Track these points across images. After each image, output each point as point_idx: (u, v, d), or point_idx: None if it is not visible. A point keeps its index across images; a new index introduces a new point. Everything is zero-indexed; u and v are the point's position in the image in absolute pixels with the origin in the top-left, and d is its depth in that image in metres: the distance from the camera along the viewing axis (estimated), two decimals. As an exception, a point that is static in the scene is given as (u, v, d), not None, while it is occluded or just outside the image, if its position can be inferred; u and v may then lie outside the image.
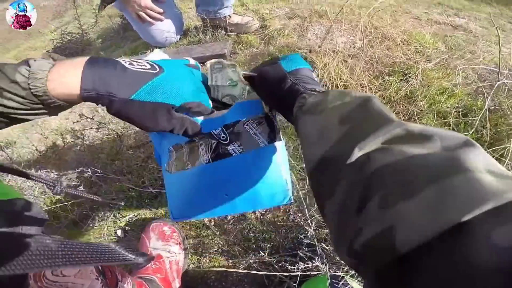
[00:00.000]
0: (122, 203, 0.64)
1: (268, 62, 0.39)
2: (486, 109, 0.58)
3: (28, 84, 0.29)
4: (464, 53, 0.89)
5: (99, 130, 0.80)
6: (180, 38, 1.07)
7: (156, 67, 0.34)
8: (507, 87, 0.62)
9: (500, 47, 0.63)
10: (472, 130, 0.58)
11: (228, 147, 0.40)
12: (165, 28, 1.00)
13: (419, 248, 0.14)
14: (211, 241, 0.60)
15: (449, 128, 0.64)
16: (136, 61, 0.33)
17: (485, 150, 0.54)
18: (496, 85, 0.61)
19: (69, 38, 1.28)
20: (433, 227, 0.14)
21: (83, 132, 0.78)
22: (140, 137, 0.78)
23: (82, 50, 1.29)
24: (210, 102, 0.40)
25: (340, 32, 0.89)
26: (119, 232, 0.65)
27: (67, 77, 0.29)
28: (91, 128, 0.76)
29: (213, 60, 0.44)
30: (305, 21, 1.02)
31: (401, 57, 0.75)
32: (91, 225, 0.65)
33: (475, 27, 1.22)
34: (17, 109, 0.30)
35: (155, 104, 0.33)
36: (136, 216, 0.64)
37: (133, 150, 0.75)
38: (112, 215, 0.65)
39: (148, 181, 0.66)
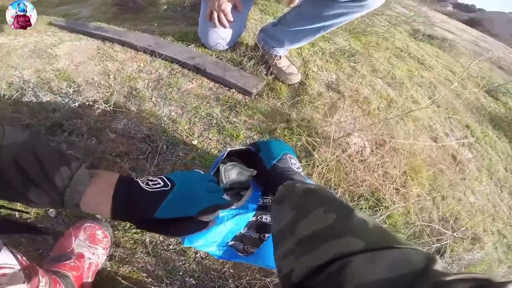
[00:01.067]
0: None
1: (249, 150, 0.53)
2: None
3: (64, 191, 0.33)
4: (437, 196, 0.95)
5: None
6: (227, 50, 1.06)
7: (168, 182, 0.38)
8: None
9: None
10: None
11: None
12: (222, 34, 0.99)
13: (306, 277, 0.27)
14: (141, 258, 0.62)
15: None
16: (151, 181, 0.38)
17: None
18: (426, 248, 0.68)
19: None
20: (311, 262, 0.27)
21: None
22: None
23: (143, 8, 1.25)
24: (225, 195, 0.45)
25: (357, 132, 0.90)
26: (50, 212, 0.62)
27: (99, 205, 0.35)
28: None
29: (227, 165, 0.52)
30: (340, 100, 1.01)
31: (387, 189, 0.79)
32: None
33: (472, 168, 1.25)
34: (35, 202, 0.33)
35: (174, 219, 0.37)
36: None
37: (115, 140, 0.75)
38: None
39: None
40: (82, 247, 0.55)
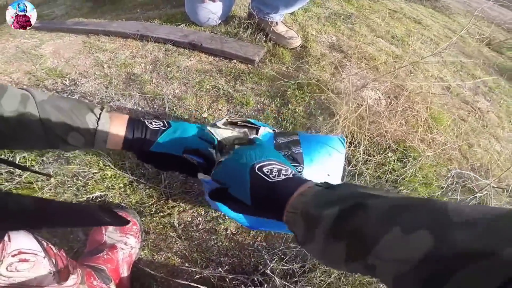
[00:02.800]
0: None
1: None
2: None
3: (96, 131, 0.41)
4: (463, 144, 0.94)
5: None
6: (220, 24, 1.05)
7: (166, 124, 0.46)
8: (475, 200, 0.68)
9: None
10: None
11: None
12: (212, 9, 0.98)
13: None
14: (173, 242, 0.62)
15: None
16: (154, 121, 0.46)
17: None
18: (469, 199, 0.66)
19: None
20: None
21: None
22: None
23: None
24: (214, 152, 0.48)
25: (370, 85, 0.90)
26: None
27: (116, 140, 0.43)
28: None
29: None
30: (346, 59, 1.01)
31: (412, 137, 0.78)
32: (45, 189, 0.61)
33: (491, 116, 1.25)
34: (72, 145, 0.41)
35: (165, 153, 0.45)
36: (102, 197, 0.63)
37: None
38: (75, 186, 0.62)
39: (128, 165, 0.66)
40: (113, 238, 0.56)
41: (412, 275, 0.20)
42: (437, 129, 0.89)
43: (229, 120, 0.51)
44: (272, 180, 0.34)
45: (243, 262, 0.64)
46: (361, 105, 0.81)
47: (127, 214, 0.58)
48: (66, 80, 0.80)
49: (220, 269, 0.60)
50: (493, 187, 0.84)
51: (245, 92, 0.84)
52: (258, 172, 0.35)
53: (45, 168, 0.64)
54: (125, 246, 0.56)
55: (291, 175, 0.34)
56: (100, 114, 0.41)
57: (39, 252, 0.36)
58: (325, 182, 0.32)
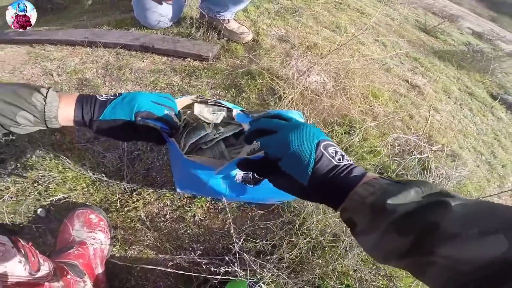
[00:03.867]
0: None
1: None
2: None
3: (44, 108, 0.42)
4: (405, 115, 1.06)
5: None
6: (171, 25, 1.08)
7: (117, 94, 0.47)
8: (414, 162, 0.79)
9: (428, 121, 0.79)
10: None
11: None
12: (162, 12, 1.01)
13: None
14: (143, 235, 0.64)
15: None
16: (106, 94, 0.47)
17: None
18: (408, 159, 0.77)
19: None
20: None
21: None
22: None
23: (65, 7, 1.23)
24: (175, 118, 0.50)
25: (316, 71, 0.99)
26: (40, 212, 0.62)
27: (68, 116, 0.45)
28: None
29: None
30: (293, 49, 1.10)
31: (354, 111, 0.88)
32: (5, 197, 0.61)
33: (429, 91, 1.42)
34: (23, 125, 0.42)
35: (115, 120, 0.45)
36: (66, 198, 0.63)
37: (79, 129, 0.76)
38: (36, 191, 0.62)
39: (89, 165, 0.67)
40: (82, 235, 0.57)
41: (470, 277, 0.21)
42: (378, 103, 1.01)
43: (199, 98, 0.55)
44: (337, 163, 0.32)
45: (215, 245, 0.67)
46: (308, 88, 0.90)
47: (92, 210, 0.59)
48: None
49: (192, 254, 0.61)
50: (433, 150, 0.98)
51: (200, 86, 0.89)
52: (324, 151, 0.32)
53: (2, 178, 0.63)
54: (94, 241, 0.57)
55: (352, 162, 0.33)
56: (46, 92, 0.42)
57: (7, 242, 0.37)
58: (389, 177, 0.32)
